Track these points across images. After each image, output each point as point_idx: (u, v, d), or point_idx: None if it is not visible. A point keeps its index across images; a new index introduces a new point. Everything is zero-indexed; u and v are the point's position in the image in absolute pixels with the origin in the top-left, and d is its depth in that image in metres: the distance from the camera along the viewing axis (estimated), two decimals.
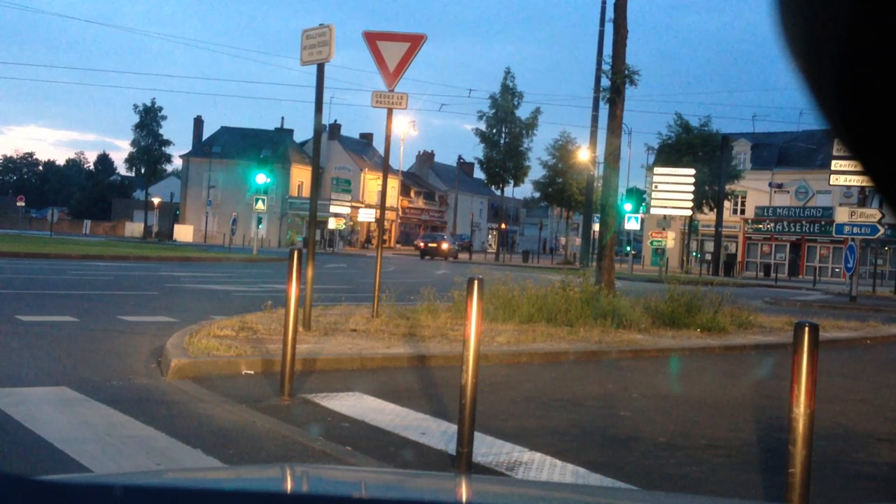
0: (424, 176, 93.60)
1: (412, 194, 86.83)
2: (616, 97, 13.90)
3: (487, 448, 5.70)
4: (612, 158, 13.91)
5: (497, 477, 4.94)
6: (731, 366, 10.64)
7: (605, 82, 14.13)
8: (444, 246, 53.56)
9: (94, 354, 8.77)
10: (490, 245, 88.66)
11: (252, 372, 8.06)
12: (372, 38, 11.94)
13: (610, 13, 14.24)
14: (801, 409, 4.30)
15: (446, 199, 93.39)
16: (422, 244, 55.35)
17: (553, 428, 6.46)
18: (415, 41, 11.95)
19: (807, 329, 4.36)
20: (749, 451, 6.15)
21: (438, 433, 6.12)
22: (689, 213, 40.49)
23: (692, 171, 36.59)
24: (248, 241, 55.90)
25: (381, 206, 12.46)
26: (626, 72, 13.89)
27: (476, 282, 5.46)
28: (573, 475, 5.21)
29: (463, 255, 61.78)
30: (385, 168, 12.52)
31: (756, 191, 61.08)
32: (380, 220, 12.53)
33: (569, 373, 9.22)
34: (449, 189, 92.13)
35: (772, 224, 61.25)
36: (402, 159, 74.79)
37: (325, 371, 8.33)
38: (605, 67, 14.08)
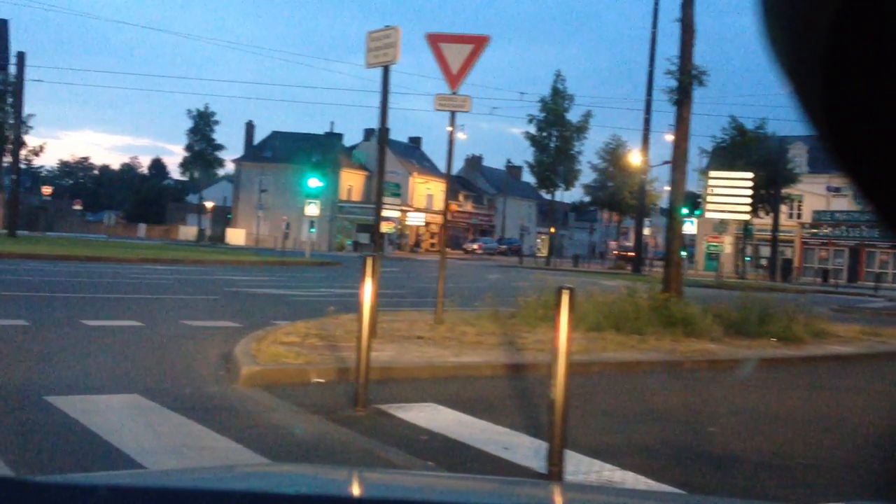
0: (473, 180, 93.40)
1: (461, 198, 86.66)
2: (684, 98, 13.52)
3: (575, 465, 5.43)
4: (680, 162, 13.53)
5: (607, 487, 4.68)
6: (814, 378, 10.22)
7: (672, 83, 13.75)
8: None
9: (163, 360, 8.69)
10: (539, 249, 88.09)
11: (322, 380, 7.89)
12: (434, 40, 11.74)
13: (662, 15, 13.90)
14: None
15: (494, 203, 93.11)
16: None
17: (640, 444, 6.18)
18: (478, 43, 11.73)
19: None
20: (853, 474, 5.80)
21: (522, 448, 5.88)
22: (747, 217, 39.78)
23: (750, 175, 35.88)
24: (299, 245, 56.16)
25: (444, 211, 12.27)
26: (694, 72, 13.51)
27: (566, 292, 5.22)
28: None
29: (512, 260, 61.56)
30: (448, 170, 12.30)
31: (813, 195, 59.80)
32: (442, 225, 12.34)
33: (644, 384, 8.91)
34: (497, 193, 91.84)
35: (830, 228, 59.90)
36: (450, 162, 74.60)
37: (395, 380, 8.14)
38: (672, 68, 13.69)
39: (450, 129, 12.05)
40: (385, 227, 66.80)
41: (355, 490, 1.74)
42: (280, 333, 9.80)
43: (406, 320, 12.03)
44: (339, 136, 77.73)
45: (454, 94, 11.57)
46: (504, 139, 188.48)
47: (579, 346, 10.28)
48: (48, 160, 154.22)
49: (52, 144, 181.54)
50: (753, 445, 6.33)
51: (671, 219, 14.17)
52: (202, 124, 64.22)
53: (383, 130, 10.14)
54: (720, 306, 13.44)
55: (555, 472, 5.02)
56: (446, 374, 8.53)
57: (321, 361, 8.30)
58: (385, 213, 65.31)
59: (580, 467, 5.43)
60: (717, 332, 12.04)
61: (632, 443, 6.21)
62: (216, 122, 64.97)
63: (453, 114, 11.76)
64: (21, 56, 45.53)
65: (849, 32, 0.52)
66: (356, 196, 75.26)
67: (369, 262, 6.80)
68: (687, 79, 13.44)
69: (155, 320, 11.78)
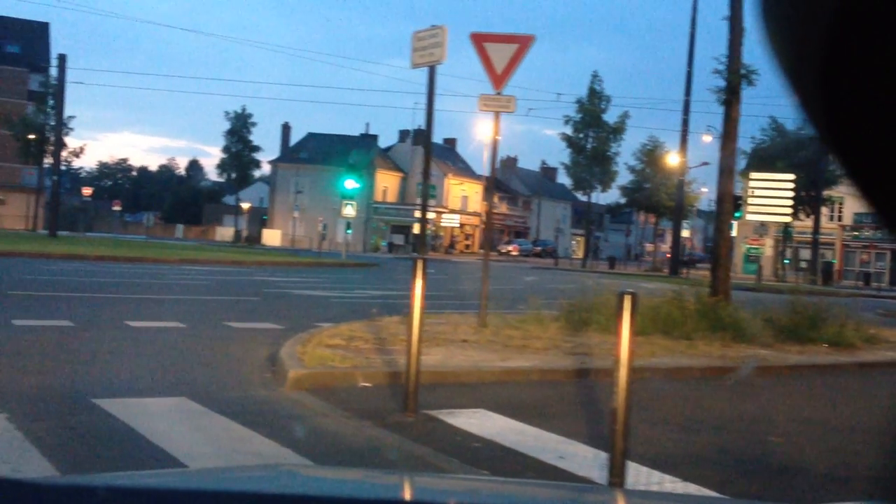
0: (507, 181, 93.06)
1: (496, 199, 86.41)
2: (732, 98, 13.22)
3: (635, 477, 5.25)
4: (728, 163, 13.24)
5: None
6: (870, 385, 9.92)
7: (720, 82, 13.45)
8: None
9: (208, 363, 8.63)
10: (574, 251, 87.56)
11: (369, 384, 7.77)
12: (479, 40, 11.60)
13: (705, 14, 13.62)
14: None
15: (529, 205, 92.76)
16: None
17: (699, 455, 5.98)
18: (523, 42, 11.56)
19: None
20: None
21: (578, 457, 5.72)
22: (788, 220, 39.12)
23: (792, 177, 35.32)
24: (334, 246, 56.27)
25: (488, 212, 12.09)
26: (744, 71, 13.20)
27: (628, 297, 5.04)
28: None
29: (548, 262, 61.27)
30: (492, 172, 12.15)
31: (854, 197, 58.68)
32: (486, 228, 12.16)
33: (697, 390, 8.69)
34: (532, 194, 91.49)
35: (871, 231, 58.83)
36: (486, 164, 74.52)
37: (441, 384, 7.99)
38: (720, 67, 13.39)
39: (493, 130, 11.91)
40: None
41: (415, 495, 1.69)
42: (324, 336, 9.71)
43: (449, 323, 11.88)
44: (375, 137, 77.96)
45: (498, 94, 11.42)
46: (539, 140, 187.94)
47: None
48: (87, 161, 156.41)
49: (91, 146, 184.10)
50: (817, 456, 6.11)
51: (719, 221, 13.89)
52: (239, 126, 64.64)
53: (428, 132, 10.00)
54: (769, 310, 13.14)
55: (616, 483, 4.86)
56: (494, 379, 8.38)
57: (367, 365, 8.18)
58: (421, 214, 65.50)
59: (640, 478, 5.26)
60: (767, 338, 11.75)
61: (691, 453, 6.01)
62: (253, 124, 65.38)
63: (497, 115, 11.61)
64: (62, 58, 46.13)
65: (848, 31, 0.52)
66: (391, 197, 75.35)
67: (419, 264, 6.66)
68: (736, 78, 13.14)
69: (198, 322, 11.75)
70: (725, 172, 13.34)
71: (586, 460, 5.64)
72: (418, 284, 6.64)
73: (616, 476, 4.89)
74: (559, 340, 10.58)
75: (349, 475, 2.28)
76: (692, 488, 5.09)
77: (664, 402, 7.92)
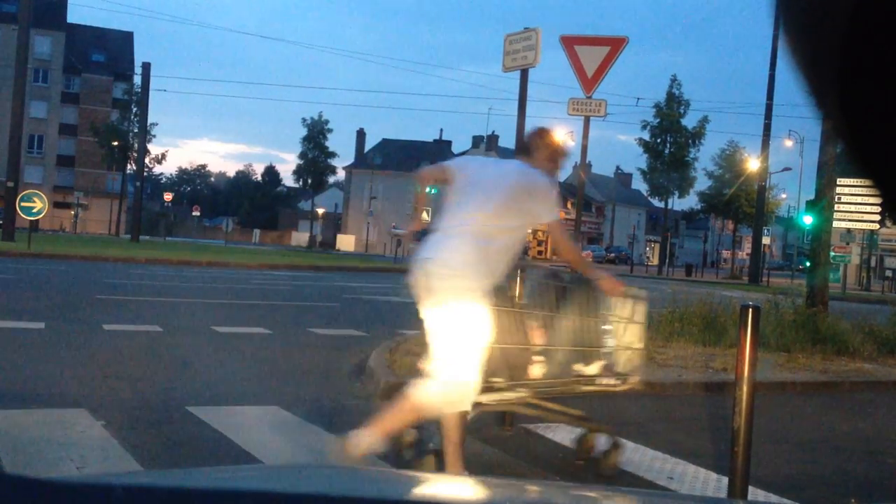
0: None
1: (569, 205, 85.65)
2: None
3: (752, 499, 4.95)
4: (829, 167, 12.70)
5: None
6: None
7: None
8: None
9: (297, 370, 8.56)
10: (648, 258, 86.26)
11: None
12: (569, 43, 11.36)
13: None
14: None
15: (603, 211, 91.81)
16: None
17: (822, 478, 5.63)
18: (615, 45, 11.28)
19: None
20: None
21: (688, 478, 5.43)
22: (876, 226, 37.79)
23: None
24: (407, 252, 56.46)
25: (577, 218, 11.80)
26: None
27: (751, 311, 4.75)
28: None
29: (622, 268, 60.42)
30: (581, 178, 11.87)
31: (870, 191, 56.33)
32: (575, 232, 11.86)
33: (803, 407, 8.27)
34: (606, 200, 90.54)
35: None
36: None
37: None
38: None
39: (583, 135, 11.65)
40: None
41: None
42: (411, 344, 9.55)
43: None
44: (448, 143, 78.16)
45: (589, 98, 11.16)
46: (612, 146, 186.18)
47: (725, 362, 9.71)
48: (167, 167, 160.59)
49: (172, 152, 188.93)
50: None
51: (819, 229, 13.35)
52: (316, 132, 65.34)
53: (519, 137, 9.78)
54: (866, 322, 12.55)
55: None
56: (587, 391, 8.09)
57: None
58: None
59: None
60: (869, 351, 11.21)
61: (812, 476, 5.66)
62: (329, 130, 66.02)
63: (587, 119, 11.34)
64: (146, 67, 47.24)
65: (866, 26, 0.52)
66: None
67: (519, 273, 6.42)
68: None
69: (282, 328, 11.74)
70: (826, 175, 12.79)
71: (697, 481, 5.36)
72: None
73: (737, 499, 4.60)
74: (651, 352, 10.22)
75: (357, 475, 2.25)
76: None
77: (774, 418, 7.53)
